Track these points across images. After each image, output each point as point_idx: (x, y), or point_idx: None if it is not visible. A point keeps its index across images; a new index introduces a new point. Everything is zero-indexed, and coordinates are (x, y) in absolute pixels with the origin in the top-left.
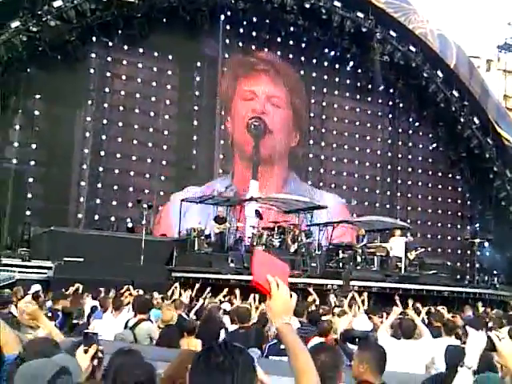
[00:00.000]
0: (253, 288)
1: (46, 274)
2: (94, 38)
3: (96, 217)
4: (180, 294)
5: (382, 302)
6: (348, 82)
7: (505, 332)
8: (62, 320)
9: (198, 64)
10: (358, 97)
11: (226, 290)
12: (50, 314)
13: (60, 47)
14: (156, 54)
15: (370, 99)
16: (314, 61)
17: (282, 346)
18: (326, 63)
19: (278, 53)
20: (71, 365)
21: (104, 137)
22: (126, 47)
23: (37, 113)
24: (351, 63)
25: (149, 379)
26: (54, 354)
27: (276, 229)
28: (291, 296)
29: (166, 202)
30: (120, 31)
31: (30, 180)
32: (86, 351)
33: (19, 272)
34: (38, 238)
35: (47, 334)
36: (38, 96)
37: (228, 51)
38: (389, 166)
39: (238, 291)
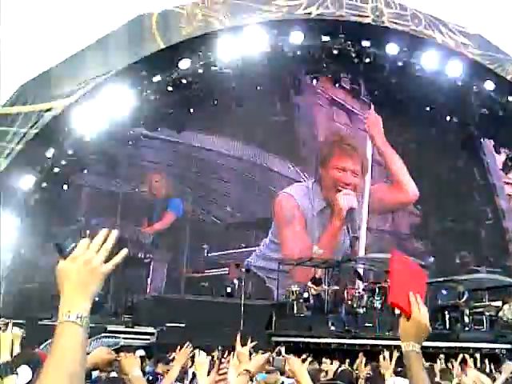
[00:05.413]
0: (355, 351)
1: (148, 339)
2: (191, 110)
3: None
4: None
5: (494, 364)
6: (447, 137)
7: None
8: None
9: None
10: (459, 152)
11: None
12: (150, 378)
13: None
14: None
15: (470, 154)
16: (410, 118)
17: None
18: (422, 120)
19: (372, 111)
20: None
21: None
22: None
23: None
24: (448, 118)
25: None
26: None
27: (377, 289)
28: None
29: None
30: (216, 101)
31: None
32: None
33: (123, 338)
34: (141, 304)
35: None
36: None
37: None
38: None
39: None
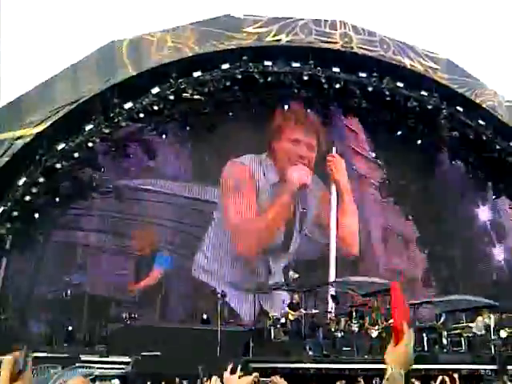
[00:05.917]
0: (334, 376)
1: (123, 369)
2: (163, 136)
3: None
4: None
5: None
6: (417, 160)
7: None
8: None
9: (264, 155)
10: (429, 174)
11: None
12: None
13: (131, 146)
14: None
15: (441, 176)
16: (381, 142)
17: None
18: (392, 144)
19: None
20: None
21: None
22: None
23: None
24: (419, 141)
25: None
26: None
27: (354, 313)
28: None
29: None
30: (188, 127)
31: None
32: None
33: (98, 368)
34: (115, 333)
35: None
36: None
37: None
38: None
39: None
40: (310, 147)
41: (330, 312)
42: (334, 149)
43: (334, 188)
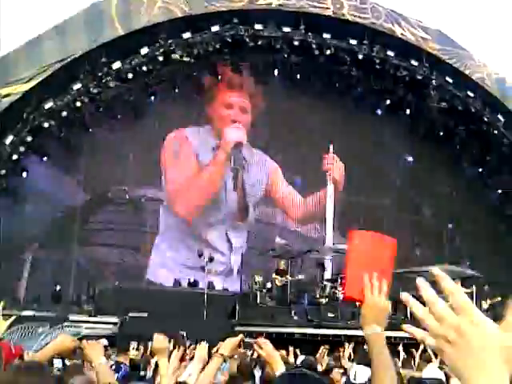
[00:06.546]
0: (318, 342)
1: (111, 329)
2: (152, 98)
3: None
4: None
5: None
6: (405, 130)
7: None
8: (126, 372)
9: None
10: (416, 145)
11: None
12: (113, 367)
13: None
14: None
15: (428, 147)
16: (370, 110)
17: None
18: (381, 112)
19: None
20: None
21: None
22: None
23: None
24: (407, 111)
25: None
26: None
27: (339, 280)
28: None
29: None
30: (177, 89)
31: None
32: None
33: (85, 328)
34: (103, 293)
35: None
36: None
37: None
38: (451, 215)
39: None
40: (244, 110)
41: (316, 278)
42: (330, 146)
43: (331, 185)
